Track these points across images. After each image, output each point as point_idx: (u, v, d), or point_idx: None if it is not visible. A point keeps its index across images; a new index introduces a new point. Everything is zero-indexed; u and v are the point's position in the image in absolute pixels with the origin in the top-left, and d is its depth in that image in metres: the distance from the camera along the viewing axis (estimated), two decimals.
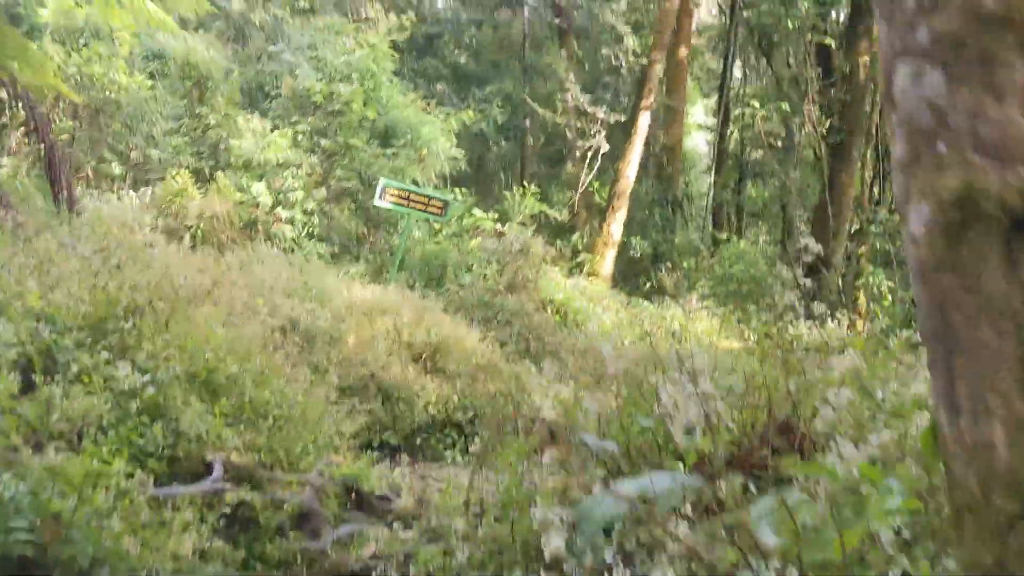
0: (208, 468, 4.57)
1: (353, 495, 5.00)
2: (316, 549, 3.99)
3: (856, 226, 19.84)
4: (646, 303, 16.54)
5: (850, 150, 18.92)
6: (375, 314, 11.09)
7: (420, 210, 13.99)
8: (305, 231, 13.95)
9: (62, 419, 3.92)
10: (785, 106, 19.96)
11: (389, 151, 16.43)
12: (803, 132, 20.64)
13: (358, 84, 16.11)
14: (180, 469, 4.51)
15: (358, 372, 9.58)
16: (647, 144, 19.70)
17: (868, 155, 20.25)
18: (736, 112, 23.13)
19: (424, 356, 10.70)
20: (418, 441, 9.40)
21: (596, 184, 20.52)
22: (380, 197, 13.43)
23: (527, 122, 23.37)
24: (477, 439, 9.90)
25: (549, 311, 15.40)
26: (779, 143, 23.51)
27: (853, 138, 18.92)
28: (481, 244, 16.18)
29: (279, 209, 13.77)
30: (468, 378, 10.51)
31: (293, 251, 13.33)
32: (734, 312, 16.77)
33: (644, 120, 18.63)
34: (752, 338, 15.52)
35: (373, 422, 8.95)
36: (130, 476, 3.91)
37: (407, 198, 13.74)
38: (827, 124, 18.64)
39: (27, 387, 3.91)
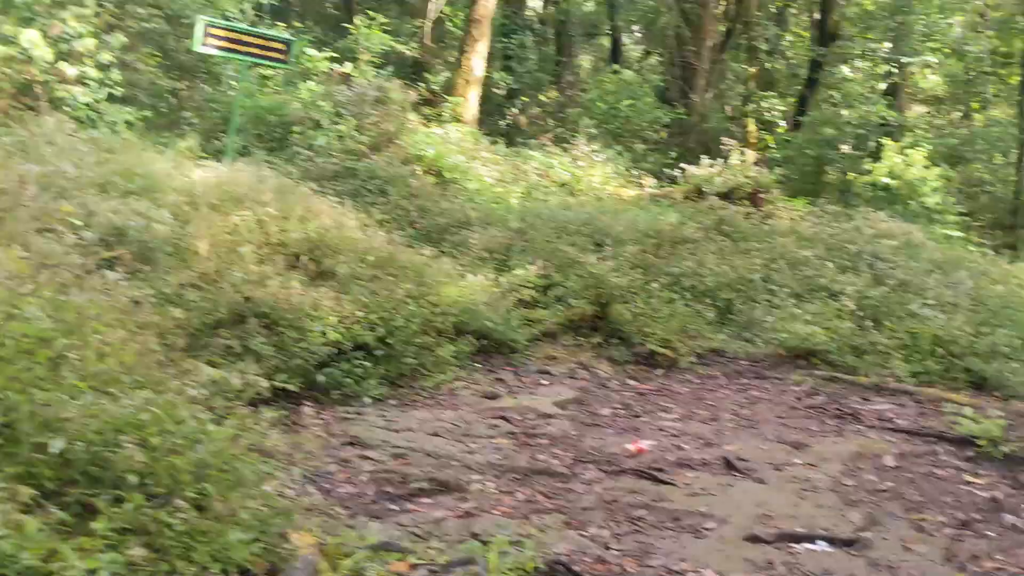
0: None
1: None
2: None
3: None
4: (533, 152, 14.29)
5: None
6: (227, 205, 8.32)
7: (257, 56, 10.87)
8: (104, 93, 10.47)
9: None
10: None
11: None
12: None
13: None
14: None
15: (226, 296, 6.99)
16: None
17: None
18: None
19: (305, 258, 8.15)
20: (321, 379, 7.05)
21: (449, 10, 17.52)
22: (203, 42, 10.20)
23: None
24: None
25: (419, 170, 12.90)
26: None
27: None
28: (327, 93, 13.22)
29: (63, 64, 10.18)
30: (366, 281, 8.12)
31: (93, 123, 9.98)
32: (623, 154, 14.96)
33: None
34: (655, 186, 13.74)
35: (262, 368, 6.52)
36: None
37: (238, 41, 10.57)
38: None
39: None
